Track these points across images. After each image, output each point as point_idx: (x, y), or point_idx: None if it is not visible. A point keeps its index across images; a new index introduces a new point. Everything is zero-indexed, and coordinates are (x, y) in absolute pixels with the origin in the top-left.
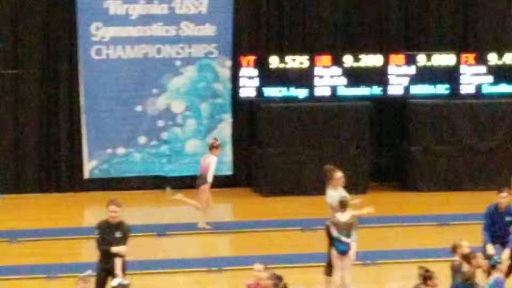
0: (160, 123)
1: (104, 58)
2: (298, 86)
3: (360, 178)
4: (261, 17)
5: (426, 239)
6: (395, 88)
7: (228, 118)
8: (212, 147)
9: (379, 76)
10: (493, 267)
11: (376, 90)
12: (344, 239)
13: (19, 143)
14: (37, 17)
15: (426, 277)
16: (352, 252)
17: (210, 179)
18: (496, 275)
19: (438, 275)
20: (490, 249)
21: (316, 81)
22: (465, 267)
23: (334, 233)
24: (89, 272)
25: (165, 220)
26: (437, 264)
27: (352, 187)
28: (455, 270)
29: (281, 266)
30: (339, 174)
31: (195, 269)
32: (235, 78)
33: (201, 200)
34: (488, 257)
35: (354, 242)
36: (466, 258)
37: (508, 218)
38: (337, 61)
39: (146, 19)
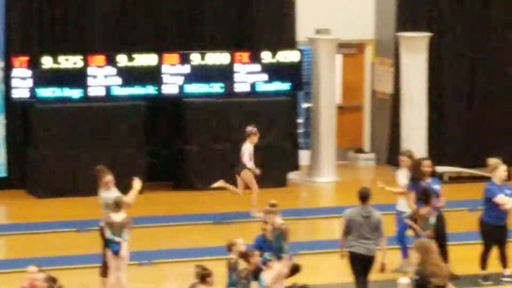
0: None
1: None
2: (72, 86)
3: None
4: (33, 16)
5: (202, 238)
6: (170, 87)
7: (1, 119)
8: (250, 134)
9: (153, 75)
10: (264, 263)
11: (151, 89)
12: (117, 239)
13: None
14: None
15: (204, 275)
16: (123, 252)
17: (249, 165)
18: (269, 271)
19: (215, 273)
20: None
21: (90, 81)
22: (241, 265)
23: (108, 234)
24: None
25: None
26: (214, 263)
27: (129, 187)
28: (231, 268)
29: (56, 268)
30: (108, 177)
31: None
32: (7, 79)
33: (242, 186)
34: (259, 255)
35: (125, 242)
36: (244, 256)
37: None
38: (111, 61)
39: None
